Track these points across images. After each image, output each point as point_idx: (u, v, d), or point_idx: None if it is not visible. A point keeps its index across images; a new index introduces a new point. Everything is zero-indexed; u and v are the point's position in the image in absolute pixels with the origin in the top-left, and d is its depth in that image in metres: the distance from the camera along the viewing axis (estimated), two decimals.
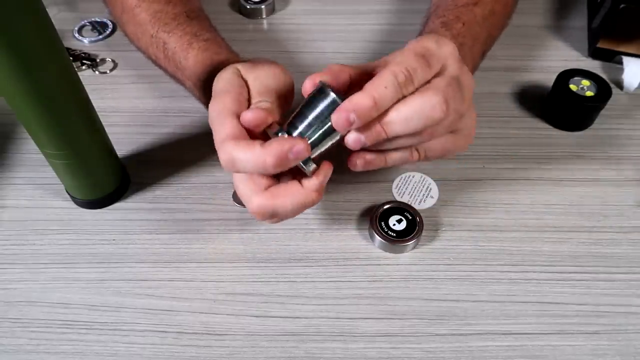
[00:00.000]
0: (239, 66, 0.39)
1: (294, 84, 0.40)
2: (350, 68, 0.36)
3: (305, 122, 0.34)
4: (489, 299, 0.40)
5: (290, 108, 0.40)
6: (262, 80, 0.38)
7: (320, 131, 0.34)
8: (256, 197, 0.35)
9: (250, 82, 0.38)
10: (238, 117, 0.35)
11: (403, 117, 0.33)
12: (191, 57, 0.46)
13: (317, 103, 0.34)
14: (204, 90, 0.45)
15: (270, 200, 0.35)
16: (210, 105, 0.37)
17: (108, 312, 0.40)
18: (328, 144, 0.35)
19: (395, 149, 0.38)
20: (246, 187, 0.35)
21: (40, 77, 0.35)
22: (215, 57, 0.45)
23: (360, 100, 0.32)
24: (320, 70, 0.36)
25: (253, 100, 0.37)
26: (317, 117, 0.34)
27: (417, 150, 0.38)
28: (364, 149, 0.37)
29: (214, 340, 0.38)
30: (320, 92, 0.34)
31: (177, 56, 0.47)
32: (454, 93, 0.34)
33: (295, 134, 0.34)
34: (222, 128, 0.35)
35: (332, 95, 0.33)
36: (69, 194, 0.46)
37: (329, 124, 0.34)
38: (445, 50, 0.35)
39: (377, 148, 0.37)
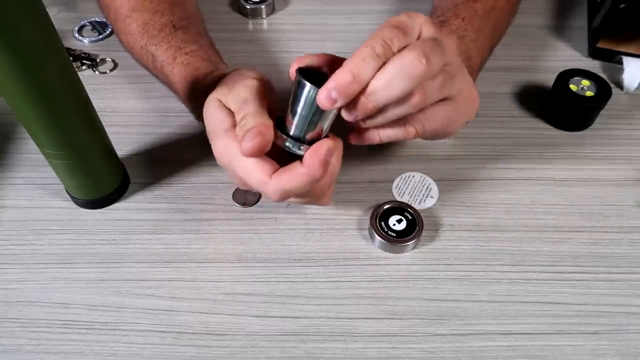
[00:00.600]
0: (218, 96, 0.39)
1: (264, 75, 0.40)
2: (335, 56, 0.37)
3: (297, 116, 0.35)
4: (489, 299, 0.40)
5: (276, 95, 0.40)
6: (236, 96, 0.38)
7: (314, 117, 0.35)
8: (269, 182, 0.35)
9: (230, 105, 0.38)
10: None
11: (385, 82, 0.33)
12: (176, 72, 0.47)
13: (299, 94, 0.34)
14: (192, 104, 0.46)
15: (278, 183, 0.35)
16: (214, 148, 0.38)
17: (108, 312, 0.40)
18: (326, 123, 0.35)
19: (390, 125, 0.38)
20: (255, 178, 0.36)
21: (40, 77, 0.35)
22: (195, 73, 0.45)
23: (339, 77, 0.32)
24: None
25: (237, 119, 0.37)
26: (304, 107, 0.34)
27: (412, 125, 0.38)
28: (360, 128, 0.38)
29: (214, 340, 0.38)
30: (298, 83, 0.34)
31: (165, 70, 0.48)
32: (432, 48, 0.33)
33: (293, 130, 0.35)
34: (252, 172, 0.35)
35: (306, 83, 0.33)
36: (69, 194, 0.46)
37: (317, 108, 0.34)
38: (419, 19, 0.34)
39: (376, 122, 0.36)
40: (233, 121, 0.37)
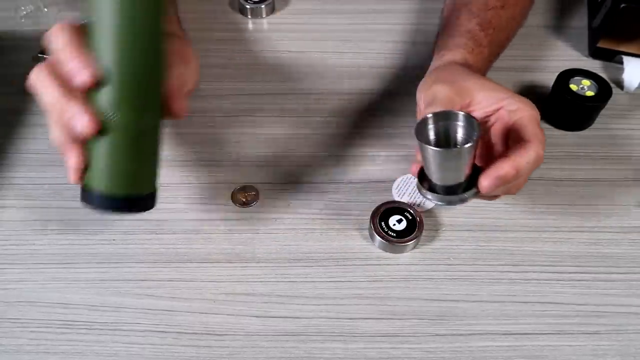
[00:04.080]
0: None
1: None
2: None
3: (451, 173, 0.35)
4: (489, 299, 0.40)
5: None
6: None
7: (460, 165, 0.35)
8: None
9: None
10: None
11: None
12: None
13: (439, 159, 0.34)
14: None
15: None
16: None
17: (108, 312, 0.40)
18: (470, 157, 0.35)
19: None
20: None
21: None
22: None
23: (506, 169, 0.34)
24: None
25: None
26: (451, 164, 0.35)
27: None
28: None
29: (214, 340, 0.38)
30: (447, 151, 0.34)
31: None
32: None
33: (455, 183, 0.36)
34: None
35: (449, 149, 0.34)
36: (88, 192, 0.33)
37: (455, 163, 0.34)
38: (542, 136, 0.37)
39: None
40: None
